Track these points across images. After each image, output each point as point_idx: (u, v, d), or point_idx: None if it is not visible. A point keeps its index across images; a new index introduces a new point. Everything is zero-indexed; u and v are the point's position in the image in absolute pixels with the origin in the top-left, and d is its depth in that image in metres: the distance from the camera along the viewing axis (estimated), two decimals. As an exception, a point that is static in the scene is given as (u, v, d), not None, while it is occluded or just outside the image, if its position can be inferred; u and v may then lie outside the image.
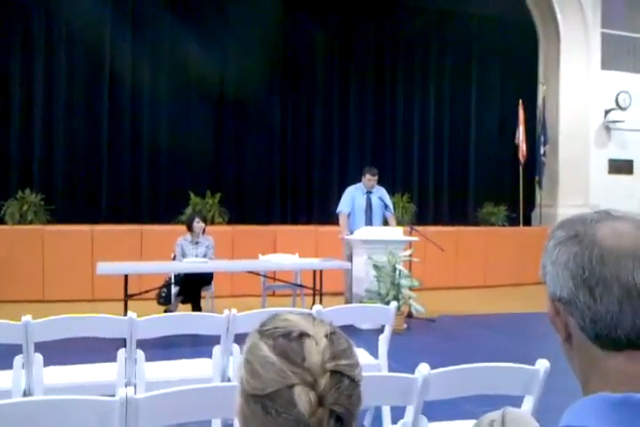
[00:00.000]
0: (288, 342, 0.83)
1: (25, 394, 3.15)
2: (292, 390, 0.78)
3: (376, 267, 6.22)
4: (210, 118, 9.55)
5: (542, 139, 10.34)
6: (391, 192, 9.40)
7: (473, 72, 11.01)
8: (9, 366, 3.20)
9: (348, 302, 6.74)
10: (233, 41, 9.52)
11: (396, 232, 6.78)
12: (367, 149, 10.41)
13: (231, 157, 9.68)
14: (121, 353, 3.25)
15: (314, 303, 6.80)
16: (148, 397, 2.03)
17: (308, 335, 0.83)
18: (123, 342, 3.83)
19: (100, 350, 4.03)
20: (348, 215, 7.07)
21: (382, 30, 10.34)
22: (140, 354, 3.25)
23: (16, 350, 3.16)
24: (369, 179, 7.01)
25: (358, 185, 7.15)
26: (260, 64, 9.56)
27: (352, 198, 7.07)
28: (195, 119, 9.38)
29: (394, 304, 3.45)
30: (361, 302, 6.22)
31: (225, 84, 9.64)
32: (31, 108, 8.71)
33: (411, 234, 7.00)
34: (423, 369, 1.87)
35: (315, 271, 6.51)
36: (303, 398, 0.78)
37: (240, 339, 3.35)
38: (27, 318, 3.09)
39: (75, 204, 8.67)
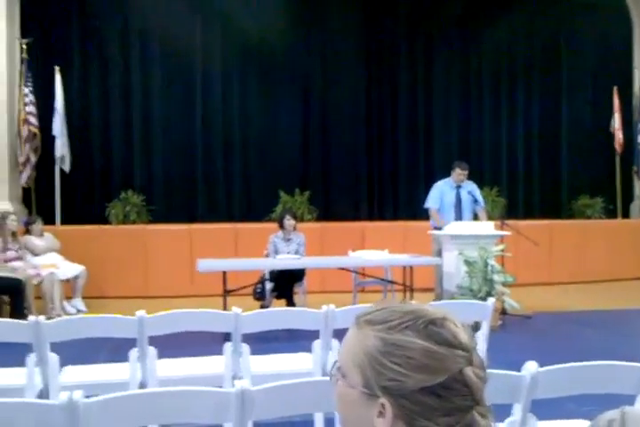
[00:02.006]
0: (439, 329, 0.83)
1: (141, 386, 3.37)
2: (463, 372, 0.81)
3: (467, 262, 6.15)
4: (297, 118, 9.72)
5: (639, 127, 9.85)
6: (479, 186, 9.25)
7: (564, 59, 10.61)
8: (125, 359, 3.42)
9: (439, 297, 6.70)
10: (318, 38, 9.64)
11: (486, 227, 6.67)
12: (453, 143, 10.27)
13: (318, 154, 9.82)
14: (227, 347, 3.41)
15: (404, 299, 6.81)
16: (261, 389, 2.11)
17: (444, 318, 0.85)
18: (223, 336, 4.02)
19: (201, 343, 4.23)
20: (438, 211, 7.03)
21: (467, 17, 10.12)
22: (246, 348, 3.40)
23: (130, 343, 3.38)
24: (459, 173, 6.93)
25: (447, 180, 7.08)
26: (346, 61, 9.64)
27: (440, 193, 7.02)
28: (282, 120, 9.58)
29: (491, 300, 3.43)
30: (453, 298, 6.18)
31: (311, 85, 9.78)
32: (130, 116, 9.19)
33: (502, 228, 6.87)
34: (531, 367, 1.88)
35: (405, 267, 6.53)
36: (472, 377, 0.81)
37: (339, 334, 3.45)
38: (141, 312, 3.28)
39: (173, 204, 9.08)
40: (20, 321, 3.36)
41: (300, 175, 9.60)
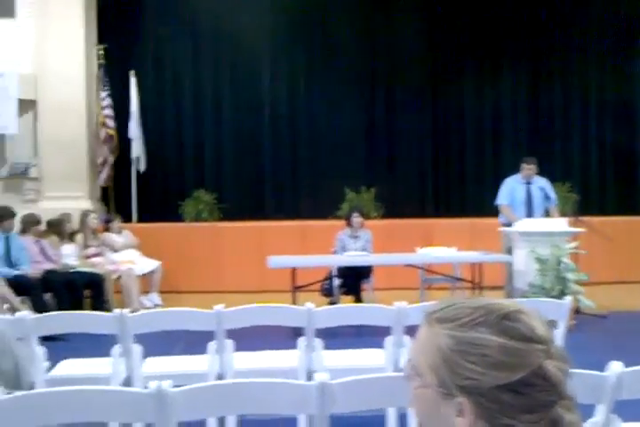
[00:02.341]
0: (513, 323, 0.80)
1: (218, 377, 3.49)
2: (542, 366, 0.78)
3: (539, 260, 6.02)
4: (362, 116, 9.74)
5: None
6: (551, 182, 9.05)
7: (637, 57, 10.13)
8: (200, 351, 3.56)
9: (509, 296, 6.59)
10: (383, 34, 9.62)
11: (559, 223, 6.51)
12: (522, 138, 10.03)
13: (384, 151, 9.81)
14: (301, 341, 3.49)
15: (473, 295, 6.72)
16: (340, 383, 2.16)
17: (518, 311, 0.82)
18: (293, 330, 4.11)
19: (272, 337, 4.33)
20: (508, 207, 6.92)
21: (538, 5, 9.84)
22: (319, 342, 3.47)
23: (206, 336, 3.51)
24: (525, 169, 6.83)
25: (516, 176, 6.96)
26: (411, 56, 9.59)
27: (510, 189, 6.91)
28: (348, 117, 9.62)
29: (568, 299, 3.37)
30: (524, 296, 6.07)
31: (377, 82, 9.78)
32: (201, 118, 9.46)
33: (575, 225, 6.70)
34: (616, 367, 1.85)
35: (474, 265, 6.47)
36: (552, 370, 0.79)
37: (410, 331, 3.47)
38: (219, 307, 3.41)
39: (243, 202, 9.29)
40: (106, 314, 3.55)
41: (366, 172, 9.62)
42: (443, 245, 7.02)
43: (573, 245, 6.22)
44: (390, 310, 3.46)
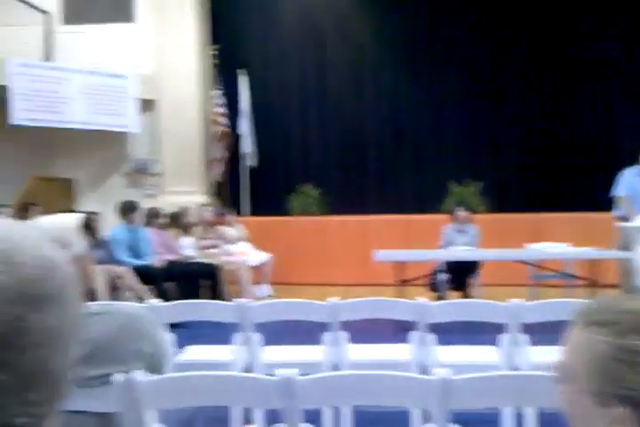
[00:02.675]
0: None
1: (334, 368, 3.60)
2: None
3: (662, 257, 5.71)
4: (465, 108, 9.55)
5: None
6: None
7: None
8: (317, 341, 3.67)
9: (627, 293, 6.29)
10: (486, 27, 9.39)
11: (684, 219, 6.13)
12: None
13: (490, 144, 9.58)
14: (414, 335, 3.53)
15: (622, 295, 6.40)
16: (461, 379, 2.17)
17: None
18: (399, 324, 4.13)
19: (381, 330, 4.38)
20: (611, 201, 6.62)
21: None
22: (432, 338, 3.50)
23: (320, 326, 3.62)
24: None
25: (635, 168, 6.61)
26: (516, 49, 9.30)
27: (628, 182, 6.57)
28: (451, 111, 9.46)
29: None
30: (645, 295, 5.77)
31: (480, 75, 9.55)
32: (307, 115, 9.65)
33: None
34: None
35: (588, 261, 6.21)
36: None
37: (529, 329, 3.41)
38: (333, 299, 3.52)
39: (348, 196, 9.41)
40: (229, 303, 3.76)
41: (471, 166, 9.43)
42: (553, 241, 6.79)
43: (700, 242, 5.84)
44: (505, 307, 3.42)
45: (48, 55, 8.61)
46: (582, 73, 9.42)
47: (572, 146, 9.55)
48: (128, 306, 1.83)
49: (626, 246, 6.32)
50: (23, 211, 6.07)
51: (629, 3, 9.14)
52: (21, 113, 7.58)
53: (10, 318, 0.50)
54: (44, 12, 8.66)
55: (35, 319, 0.51)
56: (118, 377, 1.54)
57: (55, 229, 1.87)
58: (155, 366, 1.69)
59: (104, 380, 1.53)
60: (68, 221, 1.99)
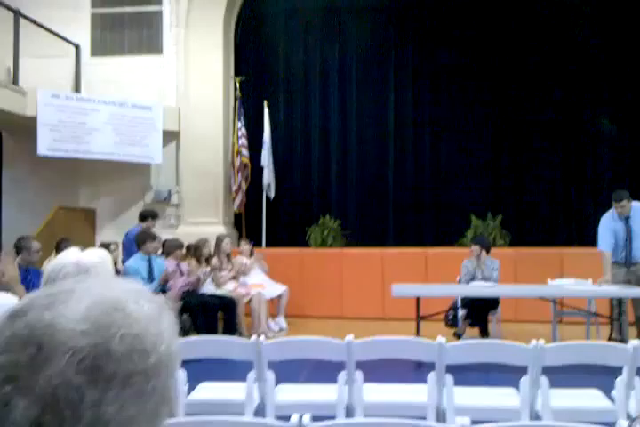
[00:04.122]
0: None
1: (348, 408, 3.53)
2: None
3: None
4: (487, 141, 9.55)
5: None
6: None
7: None
8: (328, 378, 3.61)
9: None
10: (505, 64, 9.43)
11: None
12: None
13: (510, 177, 9.54)
14: (431, 376, 3.45)
15: (611, 333, 6.33)
16: None
17: None
18: (416, 362, 4.04)
19: (397, 368, 4.29)
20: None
21: None
22: (449, 378, 3.42)
23: (335, 364, 3.56)
24: (614, 206, 6.23)
25: (609, 212, 6.33)
26: (537, 87, 9.30)
27: (611, 231, 6.20)
28: (472, 143, 9.46)
29: None
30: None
31: (500, 108, 9.56)
32: (328, 147, 9.72)
33: None
34: None
35: (612, 299, 6.09)
36: None
37: (551, 371, 3.32)
38: (349, 337, 3.46)
39: (366, 228, 9.39)
40: (243, 340, 3.72)
41: (492, 199, 9.38)
42: (575, 276, 6.68)
43: None
44: (526, 349, 3.35)
45: (77, 86, 8.81)
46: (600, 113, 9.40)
47: (594, 182, 9.47)
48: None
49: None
50: (57, 248, 6.11)
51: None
52: (49, 143, 7.74)
53: None
54: (74, 44, 8.90)
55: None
56: None
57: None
58: (174, 409, 1.67)
59: None
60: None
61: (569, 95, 9.47)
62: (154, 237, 6.38)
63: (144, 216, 7.15)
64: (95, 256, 1.96)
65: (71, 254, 1.93)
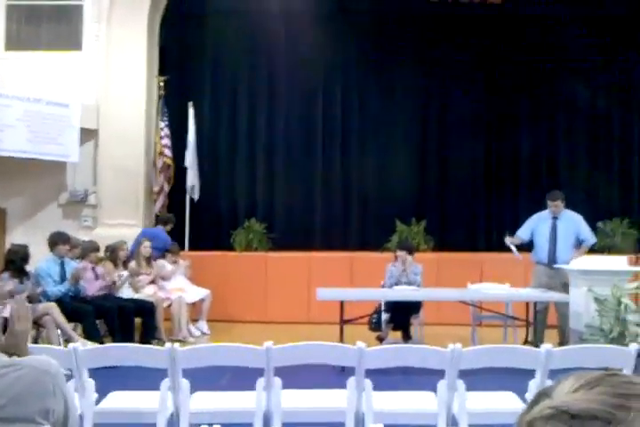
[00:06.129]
0: None
1: (265, 416, 3.45)
2: None
3: (597, 300, 5.80)
4: (413, 148, 9.71)
5: None
6: (608, 217, 8.73)
7: None
8: (248, 385, 3.51)
9: (565, 337, 6.37)
10: (437, 79, 9.62)
11: (619, 262, 6.29)
12: (579, 172, 9.74)
13: (435, 183, 9.73)
14: (351, 381, 3.41)
15: (527, 336, 6.56)
16: None
17: None
18: (337, 367, 4.01)
19: (318, 373, 4.25)
20: (532, 244, 6.85)
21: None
22: (368, 383, 3.40)
23: (254, 370, 3.47)
24: (548, 204, 6.74)
25: (545, 211, 6.83)
26: (465, 90, 9.54)
27: (534, 227, 6.82)
28: (400, 149, 9.59)
29: (634, 346, 3.20)
30: (581, 338, 5.84)
31: (427, 114, 9.75)
32: (254, 149, 9.57)
33: (637, 263, 6.45)
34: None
35: (528, 302, 6.28)
36: None
37: (468, 374, 3.35)
38: (268, 343, 3.38)
39: (292, 232, 9.31)
40: (158, 348, 3.57)
41: (417, 205, 9.53)
42: (495, 281, 6.86)
43: (635, 284, 5.98)
44: (444, 353, 3.37)
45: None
46: (525, 122, 9.73)
47: (514, 189, 9.79)
48: (36, 359, 1.74)
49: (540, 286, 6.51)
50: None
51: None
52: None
53: None
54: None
55: None
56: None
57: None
58: (61, 423, 1.62)
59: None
60: None
61: (491, 104, 9.77)
62: (66, 240, 6.11)
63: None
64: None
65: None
